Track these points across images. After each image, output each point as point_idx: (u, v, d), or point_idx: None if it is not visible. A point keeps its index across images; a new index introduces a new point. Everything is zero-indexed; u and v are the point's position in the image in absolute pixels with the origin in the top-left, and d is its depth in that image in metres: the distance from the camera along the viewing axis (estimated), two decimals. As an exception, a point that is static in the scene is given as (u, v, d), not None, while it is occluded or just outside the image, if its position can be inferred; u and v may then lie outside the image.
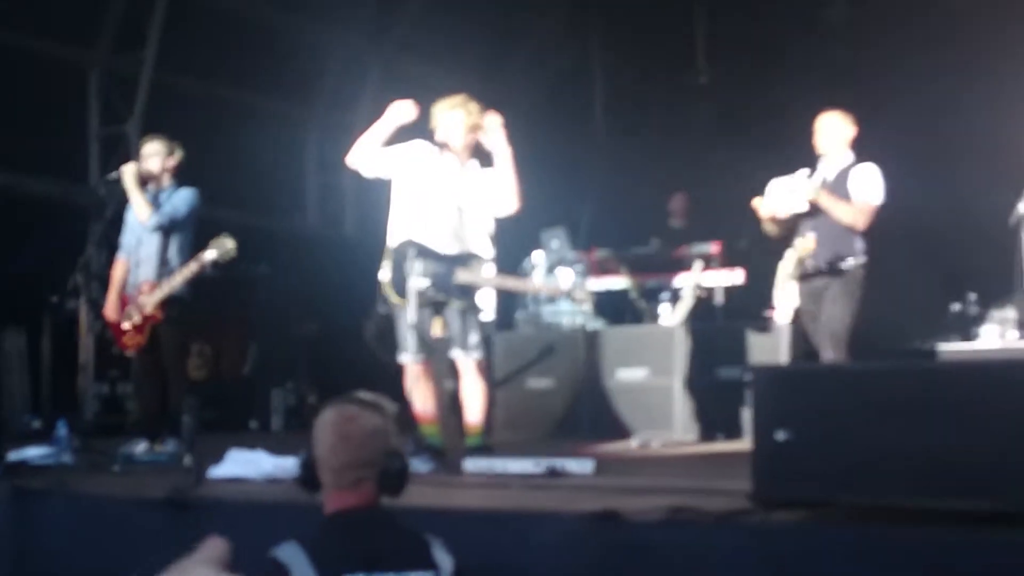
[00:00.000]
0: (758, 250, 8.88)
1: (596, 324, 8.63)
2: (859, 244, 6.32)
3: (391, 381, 5.57)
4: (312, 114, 12.13)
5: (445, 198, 5.84)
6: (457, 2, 11.48)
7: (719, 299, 8.52)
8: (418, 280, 5.56)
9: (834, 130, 6.40)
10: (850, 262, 6.28)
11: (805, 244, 6.06)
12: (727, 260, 8.53)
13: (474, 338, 5.76)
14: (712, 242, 8.54)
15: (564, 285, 8.01)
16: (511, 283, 6.94)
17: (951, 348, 7.58)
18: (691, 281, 8.41)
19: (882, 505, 3.33)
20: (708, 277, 8.48)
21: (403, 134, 5.90)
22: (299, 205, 12.24)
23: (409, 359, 5.70)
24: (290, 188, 12.07)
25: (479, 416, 5.85)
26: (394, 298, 5.59)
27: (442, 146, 5.79)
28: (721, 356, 7.81)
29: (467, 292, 5.74)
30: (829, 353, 6.17)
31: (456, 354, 5.81)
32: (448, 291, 5.66)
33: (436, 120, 5.86)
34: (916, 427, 3.29)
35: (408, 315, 5.59)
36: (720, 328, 8.20)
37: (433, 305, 5.69)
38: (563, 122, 12.47)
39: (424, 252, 5.66)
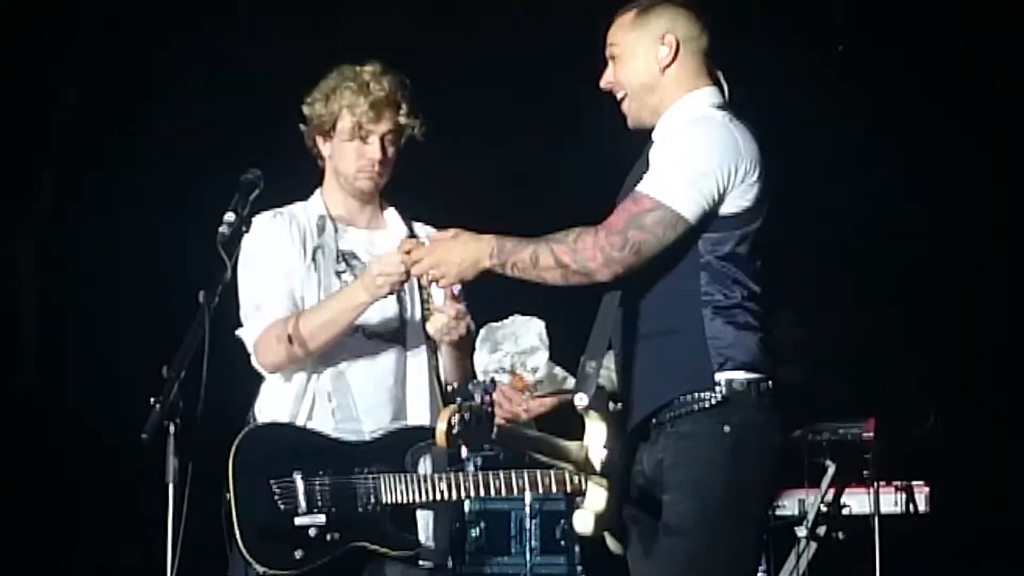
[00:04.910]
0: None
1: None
2: (726, 346, 3.40)
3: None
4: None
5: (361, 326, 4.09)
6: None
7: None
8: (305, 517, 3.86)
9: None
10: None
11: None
12: (893, 456, 5.12)
13: None
14: (864, 421, 5.11)
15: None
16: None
17: None
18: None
19: None
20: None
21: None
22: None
23: None
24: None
25: None
26: (259, 566, 3.81)
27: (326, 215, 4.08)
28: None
29: (400, 529, 3.94)
30: None
31: None
32: (364, 532, 3.93)
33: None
34: None
35: None
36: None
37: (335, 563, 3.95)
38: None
39: (309, 445, 3.94)
